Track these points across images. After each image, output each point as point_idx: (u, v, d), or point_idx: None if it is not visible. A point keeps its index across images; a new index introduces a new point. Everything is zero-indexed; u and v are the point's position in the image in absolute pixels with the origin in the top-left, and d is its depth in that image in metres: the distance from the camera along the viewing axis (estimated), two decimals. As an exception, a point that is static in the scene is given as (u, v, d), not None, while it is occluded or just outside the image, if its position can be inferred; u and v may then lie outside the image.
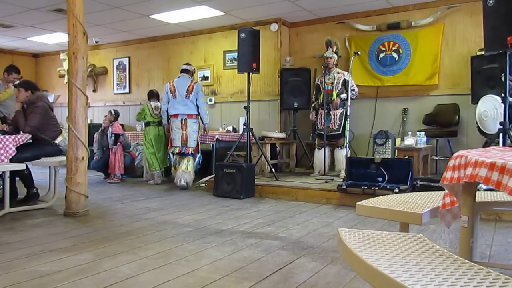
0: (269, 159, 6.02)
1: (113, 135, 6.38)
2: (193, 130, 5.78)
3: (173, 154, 5.85)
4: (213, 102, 7.64)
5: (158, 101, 6.51)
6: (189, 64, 6.08)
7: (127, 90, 9.00)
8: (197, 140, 5.84)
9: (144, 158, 6.49)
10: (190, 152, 5.75)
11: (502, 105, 4.01)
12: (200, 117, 5.87)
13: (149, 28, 7.73)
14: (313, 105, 6.07)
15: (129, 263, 2.55)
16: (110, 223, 3.67)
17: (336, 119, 5.72)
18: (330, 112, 5.74)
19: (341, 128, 5.68)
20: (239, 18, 7.02)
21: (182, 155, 5.79)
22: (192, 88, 5.76)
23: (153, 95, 6.59)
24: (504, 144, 3.87)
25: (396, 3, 6.19)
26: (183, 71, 5.98)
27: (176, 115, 5.77)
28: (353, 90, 5.54)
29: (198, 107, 5.78)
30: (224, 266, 2.49)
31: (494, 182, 1.37)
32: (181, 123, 5.75)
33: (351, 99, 5.45)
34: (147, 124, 6.33)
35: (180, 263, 2.56)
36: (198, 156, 5.89)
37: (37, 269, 2.43)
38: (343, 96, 5.62)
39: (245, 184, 5.03)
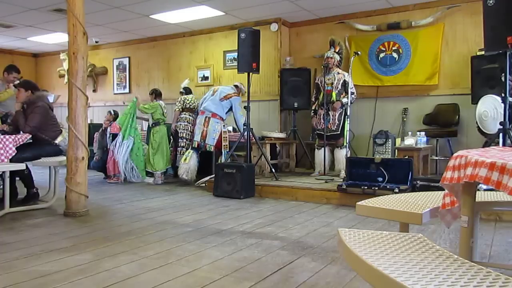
0: (269, 159, 6.02)
1: (111, 135, 6.37)
2: (213, 129, 6.00)
3: (192, 149, 6.03)
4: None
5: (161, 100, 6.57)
6: (242, 84, 6.32)
7: (127, 90, 9.01)
8: (218, 139, 6.03)
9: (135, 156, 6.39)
10: (207, 149, 6.05)
11: (502, 105, 4.01)
12: (237, 126, 6.26)
13: (149, 28, 7.73)
14: (313, 107, 6.06)
15: (129, 263, 2.55)
16: (110, 223, 3.67)
17: (334, 119, 5.71)
18: (329, 112, 5.74)
19: (340, 128, 5.68)
20: (239, 18, 7.02)
21: (198, 149, 6.05)
22: (231, 97, 6.08)
23: (159, 94, 6.59)
24: (504, 144, 3.87)
25: (396, 3, 6.19)
26: (234, 85, 6.33)
27: (202, 112, 6.10)
28: (352, 93, 5.52)
29: (235, 119, 6.20)
30: (224, 266, 2.49)
31: (494, 182, 1.37)
32: (204, 120, 6.05)
33: (351, 102, 5.45)
34: (157, 123, 6.33)
35: (180, 263, 2.56)
36: (224, 151, 6.08)
37: (37, 269, 2.43)
38: (345, 100, 5.61)
39: (245, 184, 5.03)
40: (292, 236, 3.24)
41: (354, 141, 6.51)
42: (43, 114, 4.41)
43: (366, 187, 4.43)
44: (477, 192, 1.95)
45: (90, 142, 5.96)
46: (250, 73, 5.71)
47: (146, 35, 8.37)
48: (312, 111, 6.06)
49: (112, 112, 6.70)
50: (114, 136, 6.37)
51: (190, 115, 6.45)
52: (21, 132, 4.32)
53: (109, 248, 2.86)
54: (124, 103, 8.94)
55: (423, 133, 5.33)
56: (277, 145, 6.57)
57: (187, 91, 6.69)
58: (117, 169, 6.38)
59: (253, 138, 5.72)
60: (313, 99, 6.15)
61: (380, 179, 4.56)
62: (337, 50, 5.92)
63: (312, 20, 7.01)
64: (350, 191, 4.51)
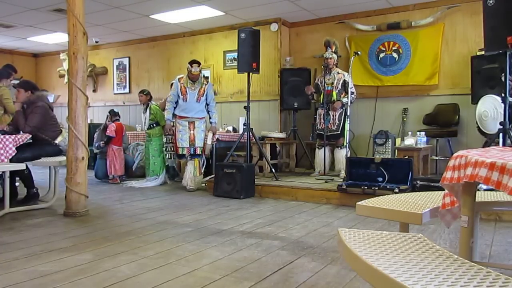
0: (269, 159, 6.02)
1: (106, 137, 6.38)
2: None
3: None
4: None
5: None
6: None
7: (127, 90, 9.01)
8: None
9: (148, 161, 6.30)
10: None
11: (502, 105, 4.01)
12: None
13: (149, 28, 7.73)
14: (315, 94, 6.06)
15: (129, 263, 2.55)
16: (110, 223, 3.67)
17: (335, 119, 5.71)
18: (329, 112, 5.74)
19: (340, 128, 5.67)
20: (239, 18, 7.02)
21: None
22: None
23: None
24: (504, 144, 3.87)
25: (396, 3, 6.19)
26: None
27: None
28: (352, 93, 5.52)
29: None
30: (224, 266, 2.49)
31: (494, 182, 1.37)
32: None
33: (351, 102, 5.45)
34: (158, 125, 6.23)
35: (180, 263, 2.56)
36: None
37: (37, 269, 2.43)
38: (345, 100, 5.61)
39: (245, 184, 5.03)
40: (292, 236, 3.24)
41: (354, 141, 6.51)
42: (43, 114, 4.41)
43: (366, 187, 4.43)
44: (477, 192, 1.95)
45: (90, 142, 5.94)
46: (250, 73, 5.71)
47: (146, 35, 8.37)
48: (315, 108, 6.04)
49: (109, 113, 6.68)
50: (109, 138, 6.32)
51: None
52: (21, 132, 4.32)
53: (109, 248, 2.86)
54: (124, 103, 8.96)
55: (423, 133, 5.33)
56: (277, 145, 6.57)
57: None
58: (115, 170, 6.34)
59: (253, 138, 5.72)
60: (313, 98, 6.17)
61: (380, 179, 4.56)
62: (333, 50, 5.92)
63: (312, 20, 7.01)
64: (350, 191, 4.51)
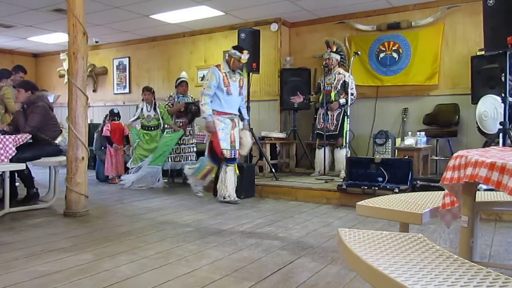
0: (269, 159, 6.02)
1: (103, 137, 6.37)
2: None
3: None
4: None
5: None
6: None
7: (127, 90, 9.01)
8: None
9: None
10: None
11: (502, 105, 4.02)
12: None
13: (149, 28, 7.73)
14: (311, 98, 6.18)
15: (129, 263, 2.55)
16: (110, 223, 3.67)
17: (333, 119, 5.71)
18: (328, 112, 5.74)
19: (338, 128, 5.67)
20: (239, 18, 7.02)
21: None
22: None
23: None
24: (504, 144, 3.88)
25: (396, 3, 6.19)
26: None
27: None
28: (352, 94, 5.51)
29: None
30: (224, 266, 2.49)
31: (494, 182, 1.37)
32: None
33: (350, 103, 5.45)
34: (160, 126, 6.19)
35: (180, 263, 2.56)
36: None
37: (37, 269, 2.43)
38: (342, 101, 5.60)
39: (245, 184, 5.03)
40: (292, 236, 3.24)
41: (354, 141, 6.51)
42: (43, 114, 4.41)
43: (366, 187, 4.44)
44: (477, 192, 1.95)
45: (90, 142, 5.93)
46: (250, 73, 5.71)
47: (146, 35, 8.37)
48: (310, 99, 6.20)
49: (108, 113, 6.65)
50: (107, 138, 6.31)
51: None
52: (21, 132, 4.32)
53: (109, 248, 2.86)
54: (124, 103, 8.96)
55: (423, 133, 5.33)
56: (277, 145, 6.57)
57: None
58: (112, 170, 6.32)
59: (253, 138, 5.71)
60: (312, 93, 6.20)
61: (380, 179, 4.56)
62: (334, 50, 5.91)
63: (312, 20, 7.01)
64: (350, 191, 4.52)
